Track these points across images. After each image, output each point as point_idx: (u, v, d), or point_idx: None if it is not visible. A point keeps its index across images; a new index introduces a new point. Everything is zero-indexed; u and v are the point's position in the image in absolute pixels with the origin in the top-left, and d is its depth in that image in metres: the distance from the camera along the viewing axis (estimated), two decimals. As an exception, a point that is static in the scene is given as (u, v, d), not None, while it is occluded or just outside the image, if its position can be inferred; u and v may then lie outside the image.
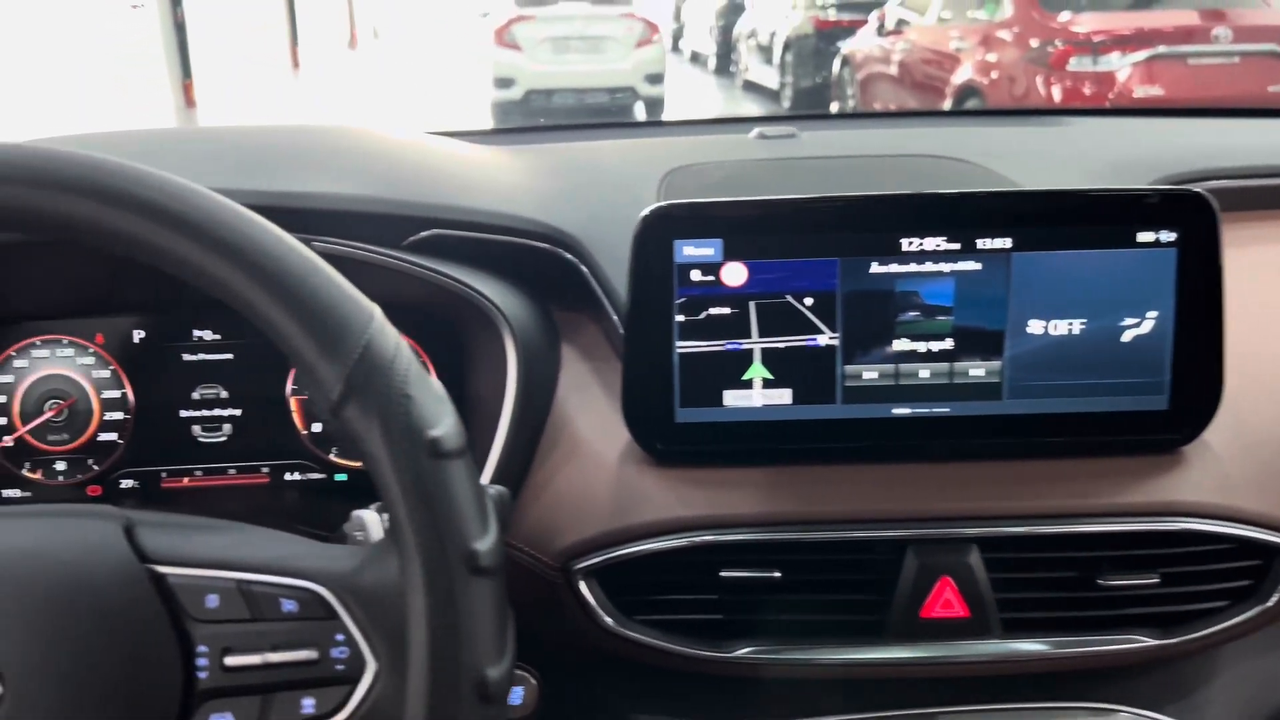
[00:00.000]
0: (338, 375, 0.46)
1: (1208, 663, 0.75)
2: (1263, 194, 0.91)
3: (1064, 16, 6.21)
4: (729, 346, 0.68)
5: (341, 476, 0.87)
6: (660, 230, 0.67)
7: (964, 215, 0.67)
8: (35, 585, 0.47)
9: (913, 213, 0.67)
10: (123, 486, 0.85)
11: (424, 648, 0.46)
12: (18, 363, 0.84)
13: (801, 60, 9.92)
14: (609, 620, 0.67)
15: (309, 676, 0.48)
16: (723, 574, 0.67)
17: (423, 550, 0.46)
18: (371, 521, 0.59)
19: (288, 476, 0.86)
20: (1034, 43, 6.07)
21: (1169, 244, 0.66)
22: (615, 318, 0.77)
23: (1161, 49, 5.60)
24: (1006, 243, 0.66)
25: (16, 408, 0.83)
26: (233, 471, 0.86)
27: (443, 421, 0.48)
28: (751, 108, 10.99)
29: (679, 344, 0.68)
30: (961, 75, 6.59)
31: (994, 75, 6.37)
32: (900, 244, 0.67)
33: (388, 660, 0.48)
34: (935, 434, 0.69)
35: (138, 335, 0.84)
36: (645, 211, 0.67)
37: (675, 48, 17.21)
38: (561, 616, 0.69)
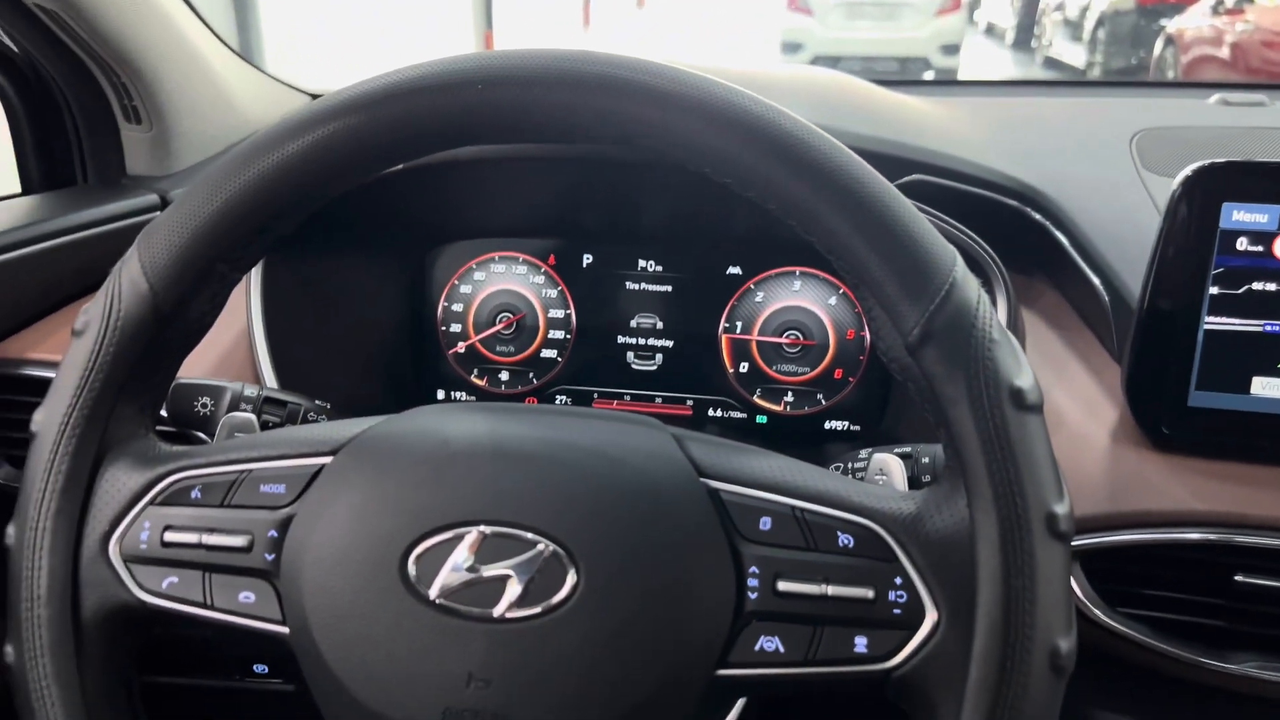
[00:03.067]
0: (919, 315, 0.44)
1: None
2: None
3: None
4: (1269, 328, 0.61)
5: (762, 419, 0.86)
6: (1207, 191, 0.60)
7: None
8: (608, 484, 0.48)
9: None
10: (557, 403, 0.88)
11: (998, 607, 0.43)
12: (477, 275, 0.88)
13: (1116, 37, 9.26)
14: (1096, 611, 0.62)
15: (863, 616, 0.46)
16: (1238, 578, 0.60)
17: (1002, 505, 0.43)
18: (894, 467, 0.57)
19: (710, 413, 0.87)
20: None
21: None
22: (1096, 281, 0.72)
23: None
24: None
25: (471, 317, 0.88)
26: (659, 400, 0.87)
27: (1025, 372, 0.44)
28: (1051, 87, 10.36)
29: (1208, 319, 0.61)
30: (1322, 62, 5.90)
31: (1363, 62, 5.65)
32: None
33: (949, 613, 0.46)
34: None
35: (586, 260, 0.87)
36: (1189, 170, 0.60)
37: (969, 19, 16.41)
38: None
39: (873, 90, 0.91)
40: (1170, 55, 7.87)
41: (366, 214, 0.81)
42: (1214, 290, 0.61)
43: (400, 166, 0.74)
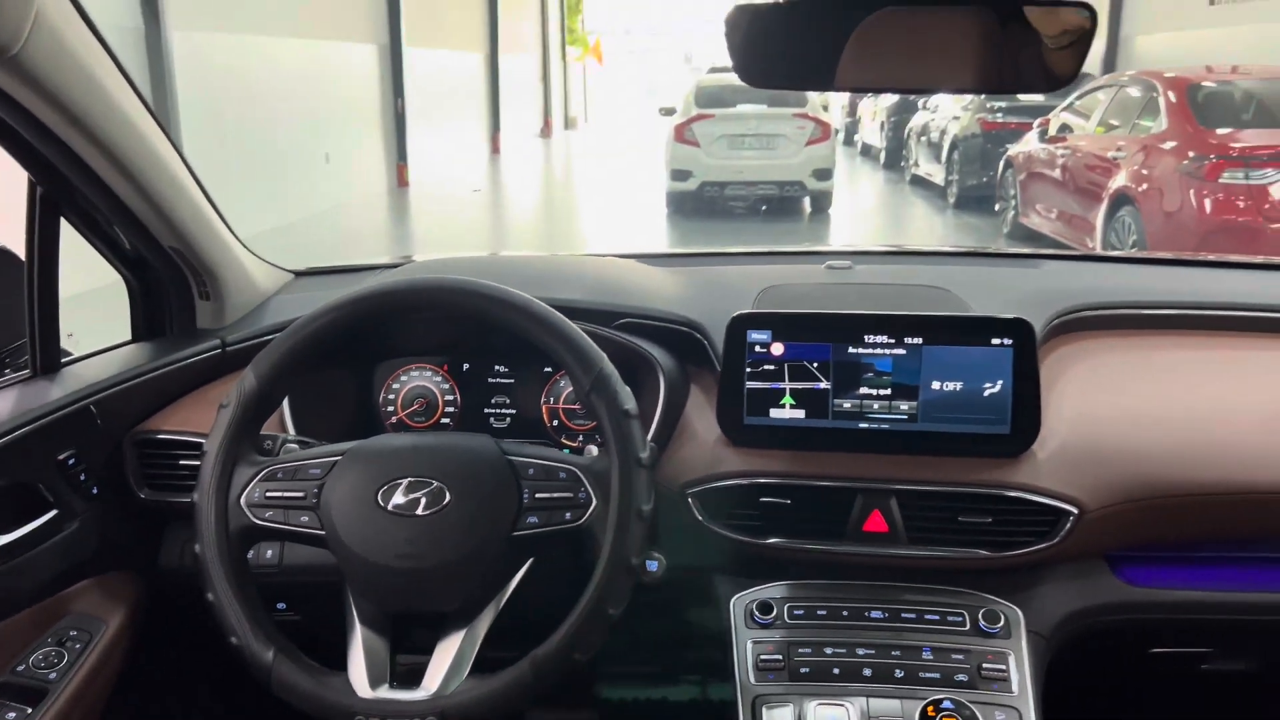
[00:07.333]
0: (588, 381, 1.13)
1: (1034, 572, 1.31)
2: (1107, 320, 1.50)
3: (1222, 131, 6.45)
4: (773, 386, 1.32)
5: (566, 451, 1.54)
6: (741, 325, 1.32)
7: (899, 326, 1.29)
8: (463, 457, 1.14)
9: (871, 324, 1.29)
10: None
11: (617, 495, 1.11)
12: (403, 377, 1.57)
13: (968, 159, 10.28)
14: (701, 519, 1.31)
15: (569, 504, 1.12)
16: (761, 499, 1.30)
17: (620, 457, 1.11)
18: (594, 450, 1.25)
19: None
20: (1190, 154, 6.34)
21: (1008, 345, 1.27)
22: (719, 369, 1.42)
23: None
24: (920, 340, 1.28)
25: (400, 401, 1.56)
26: (508, 444, 1.55)
27: (631, 403, 1.14)
28: (918, 203, 11.39)
29: (748, 383, 1.32)
30: (1116, 182, 6.89)
31: (1145, 187, 6.64)
32: (864, 338, 1.30)
33: (601, 500, 1.12)
34: (880, 438, 1.30)
35: (465, 366, 1.56)
36: (734, 315, 1.32)
37: (850, 140, 17.79)
38: (679, 518, 1.33)
39: (609, 266, 1.64)
40: (1010, 176, 8.91)
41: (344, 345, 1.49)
42: (749, 369, 1.32)
43: None
